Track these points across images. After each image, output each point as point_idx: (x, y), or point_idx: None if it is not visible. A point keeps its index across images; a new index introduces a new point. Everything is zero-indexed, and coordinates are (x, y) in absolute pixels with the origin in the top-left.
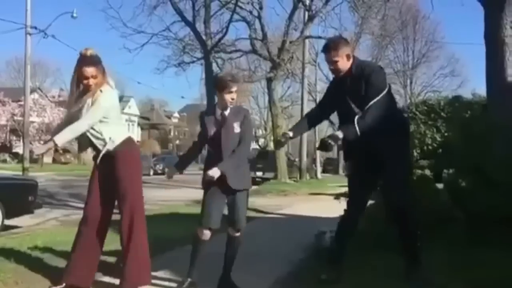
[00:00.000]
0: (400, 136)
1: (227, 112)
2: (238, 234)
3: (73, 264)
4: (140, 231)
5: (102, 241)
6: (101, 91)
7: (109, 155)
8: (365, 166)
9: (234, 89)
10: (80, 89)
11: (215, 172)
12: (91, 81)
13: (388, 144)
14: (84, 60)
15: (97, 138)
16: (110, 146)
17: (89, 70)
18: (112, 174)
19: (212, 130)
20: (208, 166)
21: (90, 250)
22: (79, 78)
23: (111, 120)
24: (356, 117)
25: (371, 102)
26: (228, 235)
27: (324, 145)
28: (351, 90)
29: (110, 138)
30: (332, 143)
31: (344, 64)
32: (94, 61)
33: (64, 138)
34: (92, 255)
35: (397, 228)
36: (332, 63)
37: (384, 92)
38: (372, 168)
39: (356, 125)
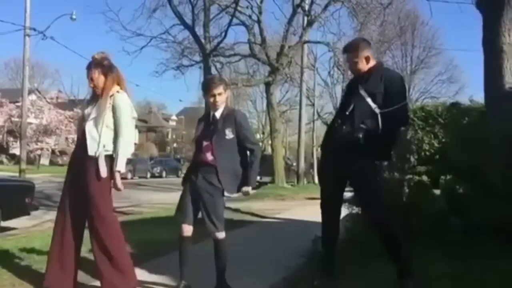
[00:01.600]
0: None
1: (218, 115)
2: (221, 237)
3: (51, 267)
4: (115, 237)
5: (78, 244)
6: (114, 95)
7: (90, 159)
8: (338, 170)
9: (216, 91)
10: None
11: (248, 189)
12: (91, 84)
13: (365, 162)
14: (90, 62)
15: (93, 138)
16: (99, 152)
17: (88, 73)
18: (84, 178)
19: (199, 131)
20: (193, 167)
21: (67, 253)
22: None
23: (111, 126)
24: (378, 112)
25: (400, 104)
26: (213, 240)
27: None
28: (367, 84)
29: (104, 146)
30: (361, 135)
31: (363, 66)
32: (93, 64)
33: (123, 163)
34: (69, 259)
35: (378, 235)
36: (351, 64)
37: (406, 101)
38: (344, 173)
39: (379, 120)
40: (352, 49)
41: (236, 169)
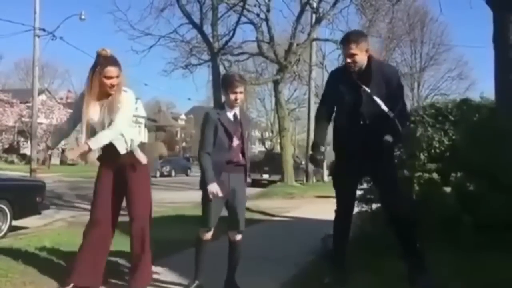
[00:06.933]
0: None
1: (238, 114)
2: (239, 237)
3: (81, 265)
4: (148, 235)
5: (110, 242)
6: (125, 91)
7: (122, 157)
8: (358, 165)
9: (239, 89)
10: (97, 89)
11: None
12: (116, 81)
13: (390, 149)
14: (109, 59)
15: (118, 138)
16: (131, 147)
17: (114, 70)
18: (123, 176)
19: (222, 131)
20: (220, 167)
21: (98, 251)
22: (98, 78)
23: (130, 122)
24: (391, 115)
25: (403, 101)
26: (229, 240)
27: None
28: (371, 87)
29: (131, 140)
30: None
31: (362, 58)
32: (116, 60)
33: (100, 142)
34: (100, 257)
35: (396, 232)
36: (351, 56)
37: (403, 98)
38: (365, 167)
39: (398, 124)
40: (352, 41)
41: None
